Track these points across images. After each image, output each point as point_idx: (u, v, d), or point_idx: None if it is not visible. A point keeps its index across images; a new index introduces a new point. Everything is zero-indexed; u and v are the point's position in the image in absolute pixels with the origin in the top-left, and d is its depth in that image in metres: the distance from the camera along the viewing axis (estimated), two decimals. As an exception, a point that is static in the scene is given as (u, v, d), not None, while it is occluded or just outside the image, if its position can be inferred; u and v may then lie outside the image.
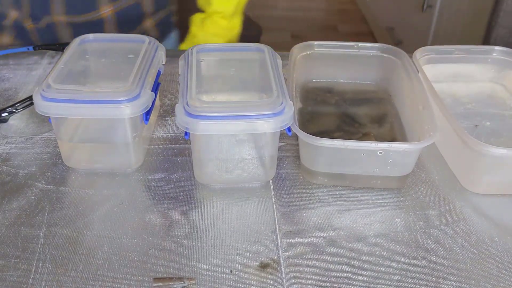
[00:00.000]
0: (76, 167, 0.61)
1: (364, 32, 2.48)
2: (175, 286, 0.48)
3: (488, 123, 0.68)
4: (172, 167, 0.61)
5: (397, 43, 1.92)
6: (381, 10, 2.29)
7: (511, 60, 0.73)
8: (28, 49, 0.79)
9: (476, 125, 0.68)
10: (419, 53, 0.70)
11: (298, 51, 0.72)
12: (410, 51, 0.72)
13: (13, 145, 0.64)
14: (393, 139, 0.64)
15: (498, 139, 0.65)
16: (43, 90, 0.53)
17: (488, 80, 0.76)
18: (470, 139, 0.54)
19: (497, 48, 0.73)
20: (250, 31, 1.59)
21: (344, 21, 2.63)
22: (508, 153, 0.54)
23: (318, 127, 0.67)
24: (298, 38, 2.32)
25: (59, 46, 0.77)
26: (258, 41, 1.58)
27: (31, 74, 0.79)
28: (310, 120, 0.68)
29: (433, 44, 1.62)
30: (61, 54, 0.61)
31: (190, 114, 0.51)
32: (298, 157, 0.63)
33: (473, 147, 0.54)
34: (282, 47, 0.73)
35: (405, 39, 1.90)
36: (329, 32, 2.51)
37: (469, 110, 0.71)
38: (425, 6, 1.65)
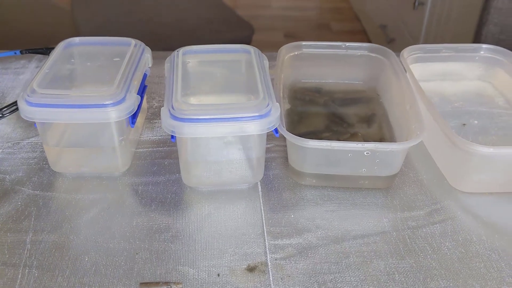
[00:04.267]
0: (63, 171, 0.61)
1: (357, 30, 2.47)
2: (161, 290, 0.47)
3: (476, 121, 0.68)
4: (160, 170, 0.61)
5: (390, 41, 1.92)
6: (374, 8, 2.29)
7: (499, 58, 0.73)
8: (15, 53, 0.79)
9: (464, 124, 0.68)
10: (406, 52, 0.70)
11: (286, 51, 0.71)
12: (403, 48, 0.71)
13: (0, 150, 0.64)
14: (381, 139, 0.64)
15: (486, 138, 0.65)
16: (28, 95, 0.53)
17: (476, 78, 0.76)
18: (458, 138, 0.54)
19: (484, 46, 0.73)
20: (242, 31, 1.59)
21: (337, 19, 2.62)
22: (496, 151, 0.54)
23: (307, 128, 0.67)
24: (291, 37, 2.32)
25: (46, 50, 0.76)
26: (250, 41, 1.57)
27: (19, 78, 0.79)
28: (299, 120, 0.68)
29: (425, 41, 1.63)
30: (47, 58, 0.61)
31: (175, 117, 0.51)
32: (286, 158, 0.62)
33: (461, 147, 0.54)
34: (275, 46, 0.72)
35: (397, 36, 1.89)
36: (323, 30, 2.51)
37: (457, 108, 0.71)
38: (416, 3, 1.65)
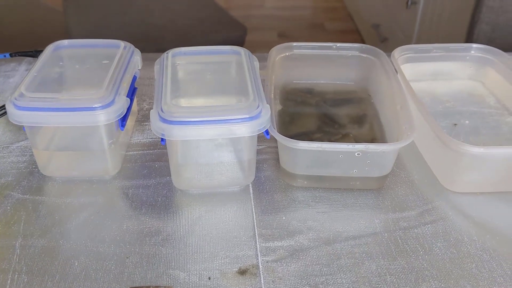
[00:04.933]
0: (53, 175, 0.60)
1: (351, 30, 2.47)
2: (152, 294, 0.47)
3: (467, 121, 0.68)
4: (150, 173, 0.61)
5: (383, 40, 1.92)
6: (367, 7, 2.29)
7: (489, 57, 0.73)
8: (5, 56, 0.78)
9: (455, 124, 0.68)
10: (397, 52, 0.70)
11: (277, 52, 0.71)
12: (396, 48, 0.71)
13: (-11, 155, 0.64)
14: (372, 139, 0.64)
15: (476, 137, 0.65)
16: (16, 99, 0.53)
17: (467, 77, 0.76)
18: (448, 138, 0.54)
19: (475, 45, 0.73)
20: (235, 32, 1.58)
21: (331, 19, 2.63)
22: (486, 151, 0.54)
23: (298, 129, 0.66)
24: (285, 37, 2.32)
25: (36, 53, 0.76)
26: (243, 42, 1.57)
27: (8, 82, 0.78)
28: (291, 121, 0.68)
29: (418, 40, 1.63)
30: (36, 61, 0.60)
31: (165, 120, 0.51)
32: (277, 160, 0.62)
33: (452, 147, 0.54)
34: (269, 46, 0.72)
35: (391, 36, 1.90)
36: (316, 30, 2.51)
37: (449, 108, 0.71)
38: (409, 2, 1.65)
